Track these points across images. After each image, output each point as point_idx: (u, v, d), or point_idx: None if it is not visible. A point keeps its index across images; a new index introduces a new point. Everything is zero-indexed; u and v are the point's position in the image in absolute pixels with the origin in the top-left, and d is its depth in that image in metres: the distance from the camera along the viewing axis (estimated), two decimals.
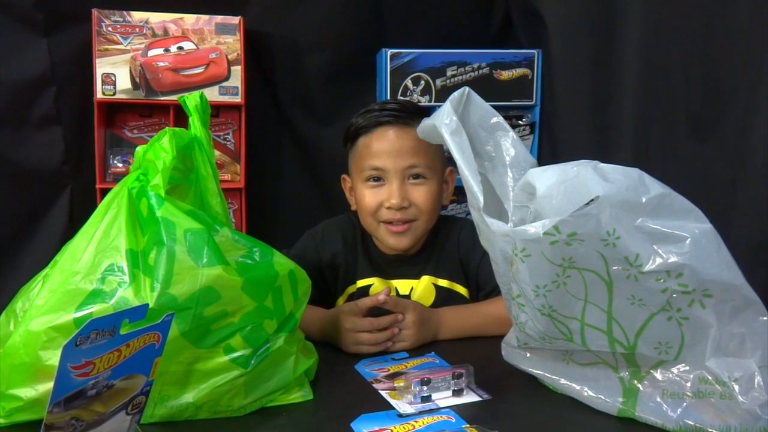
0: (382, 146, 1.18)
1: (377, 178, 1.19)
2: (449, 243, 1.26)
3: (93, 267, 0.78)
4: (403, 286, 1.24)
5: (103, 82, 1.55)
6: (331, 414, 0.87)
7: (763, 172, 1.09)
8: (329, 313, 1.14)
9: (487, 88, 1.67)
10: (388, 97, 1.65)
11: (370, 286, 1.25)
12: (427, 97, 1.68)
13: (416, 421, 0.82)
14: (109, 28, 1.55)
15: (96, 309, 0.75)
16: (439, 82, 1.68)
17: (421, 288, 1.24)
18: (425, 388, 0.88)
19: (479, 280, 1.24)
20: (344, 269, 1.26)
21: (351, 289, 1.26)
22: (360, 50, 1.71)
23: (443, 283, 1.25)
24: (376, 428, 0.80)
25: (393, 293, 1.22)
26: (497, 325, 1.10)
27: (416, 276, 1.25)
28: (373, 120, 1.20)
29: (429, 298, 1.24)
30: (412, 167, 1.18)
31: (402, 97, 1.65)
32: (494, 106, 0.93)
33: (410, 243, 1.22)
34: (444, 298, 1.24)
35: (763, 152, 1.09)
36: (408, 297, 1.23)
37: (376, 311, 1.09)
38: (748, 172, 1.12)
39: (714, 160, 1.20)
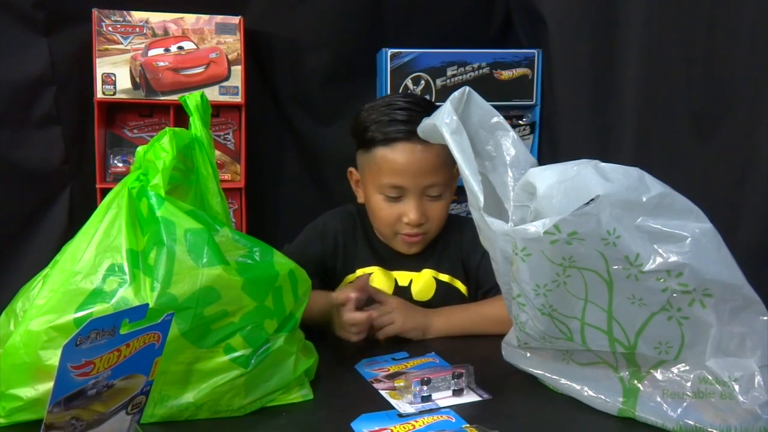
0: (403, 164, 1.16)
1: (395, 193, 1.19)
2: (453, 241, 1.27)
3: (93, 267, 0.78)
4: (402, 277, 1.25)
5: (103, 82, 1.55)
6: (331, 414, 0.87)
7: (767, 172, 1.09)
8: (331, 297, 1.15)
9: (487, 87, 1.66)
10: None
11: (369, 274, 1.25)
12: (427, 97, 1.67)
13: (416, 421, 0.82)
14: (109, 28, 1.54)
15: (96, 309, 0.75)
16: (439, 82, 1.68)
17: (422, 281, 1.25)
18: (425, 387, 0.88)
19: (479, 278, 1.25)
20: (344, 258, 1.27)
21: (350, 277, 1.26)
22: (360, 50, 1.71)
23: (444, 277, 1.26)
24: (376, 428, 0.80)
25: (392, 284, 1.24)
26: (493, 324, 1.11)
27: (417, 269, 1.26)
28: (393, 135, 1.16)
29: (429, 292, 1.25)
30: (431, 186, 1.18)
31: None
32: (494, 106, 0.94)
33: (421, 249, 1.24)
34: (444, 292, 1.25)
35: (767, 153, 1.09)
36: (407, 288, 1.24)
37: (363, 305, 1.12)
38: (753, 173, 1.12)
39: (717, 161, 1.20)
